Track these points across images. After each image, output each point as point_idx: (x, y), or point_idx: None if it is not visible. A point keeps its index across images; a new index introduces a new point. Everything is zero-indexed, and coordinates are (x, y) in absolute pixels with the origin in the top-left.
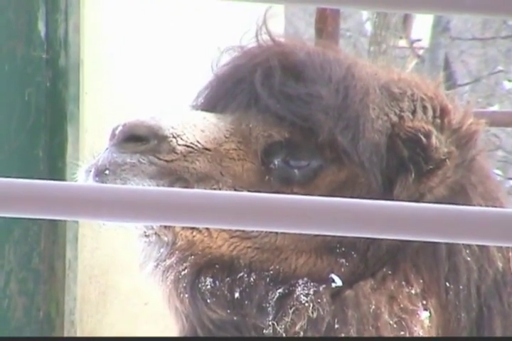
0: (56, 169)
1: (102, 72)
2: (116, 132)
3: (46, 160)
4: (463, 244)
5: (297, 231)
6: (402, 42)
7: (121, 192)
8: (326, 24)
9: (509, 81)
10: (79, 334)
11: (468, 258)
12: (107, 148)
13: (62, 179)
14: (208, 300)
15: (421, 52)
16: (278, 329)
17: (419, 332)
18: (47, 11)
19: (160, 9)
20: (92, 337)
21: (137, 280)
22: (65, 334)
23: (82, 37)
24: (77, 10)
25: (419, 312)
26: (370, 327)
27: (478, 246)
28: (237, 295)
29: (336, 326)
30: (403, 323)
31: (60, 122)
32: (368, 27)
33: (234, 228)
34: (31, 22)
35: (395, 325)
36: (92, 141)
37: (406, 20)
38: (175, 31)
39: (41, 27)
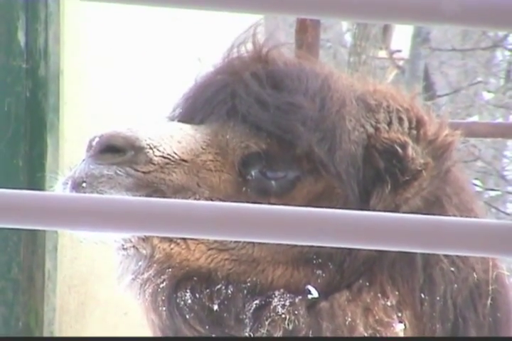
0: (36, 179)
1: (82, 82)
2: (93, 143)
3: (26, 169)
4: (441, 255)
5: (274, 241)
6: (382, 53)
7: (101, 202)
8: (306, 35)
9: (488, 92)
10: None
11: (446, 270)
12: (83, 160)
13: (42, 189)
14: (187, 316)
15: (401, 63)
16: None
17: None
18: (27, 21)
19: (140, 19)
20: (88, 337)
21: (116, 291)
22: None
23: (62, 47)
24: (57, 20)
25: (394, 324)
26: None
27: (457, 256)
28: (215, 307)
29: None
30: (378, 335)
31: (39, 132)
32: (348, 38)
33: (212, 238)
34: (11, 32)
35: None
36: (71, 150)
37: (386, 31)
38: (155, 41)
39: (21, 37)
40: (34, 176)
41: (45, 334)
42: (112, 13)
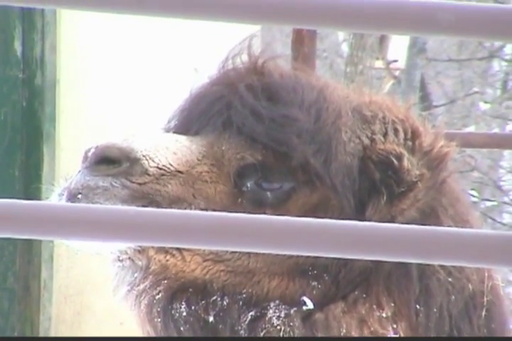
0: (32, 188)
1: (78, 92)
2: (89, 154)
3: (22, 179)
4: (438, 266)
5: (270, 252)
6: (379, 63)
7: (97, 211)
8: (303, 45)
9: (485, 102)
10: None
11: (443, 280)
12: (79, 171)
13: (38, 198)
14: (181, 328)
15: (397, 73)
16: None
17: None
18: (23, 30)
19: (136, 29)
20: (86, 337)
21: (112, 300)
22: None
23: (59, 56)
24: (54, 29)
25: (388, 335)
26: None
27: (453, 267)
28: (210, 319)
29: None
30: None
31: (36, 141)
32: (345, 48)
33: (207, 248)
34: (7, 41)
35: None
36: (68, 160)
37: (382, 41)
38: (151, 50)
39: (17, 46)
40: (30, 186)
41: None
42: (108, 22)
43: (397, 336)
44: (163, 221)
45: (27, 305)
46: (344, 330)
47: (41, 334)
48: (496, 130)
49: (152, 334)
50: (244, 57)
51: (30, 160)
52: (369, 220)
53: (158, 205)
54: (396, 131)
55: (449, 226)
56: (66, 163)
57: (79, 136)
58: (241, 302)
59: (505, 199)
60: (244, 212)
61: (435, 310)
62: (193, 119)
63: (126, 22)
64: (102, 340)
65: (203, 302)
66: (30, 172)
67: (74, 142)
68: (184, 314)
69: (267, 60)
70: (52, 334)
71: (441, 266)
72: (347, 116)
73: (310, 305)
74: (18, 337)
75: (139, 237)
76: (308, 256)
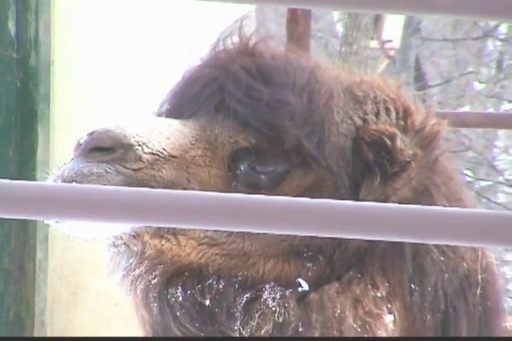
0: (27, 169)
1: (73, 72)
2: (82, 142)
3: (17, 160)
4: (431, 245)
5: (265, 231)
6: (373, 43)
7: (92, 192)
8: (297, 25)
9: (479, 82)
10: (49, 335)
11: (437, 259)
12: (72, 159)
13: (33, 179)
14: (177, 313)
15: (392, 52)
16: (244, 333)
17: (382, 336)
18: (17, 11)
19: (131, 9)
20: (82, 337)
21: (108, 281)
22: (35, 335)
23: (53, 36)
24: (48, 9)
25: (383, 315)
26: (334, 331)
27: (447, 246)
28: (207, 302)
29: (301, 329)
30: (367, 327)
31: (30, 122)
32: (339, 28)
33: (203, 228)
34: (1, 21)
35: (358, 329)
36: (62, 140)
37: (377, 21)
38: (146, 31)
39: (11, 26)
40: (25, 166)
41: (36, 324)
42: (103, 2)
43: (392, 317)
44: (156, 201)
45: (22, 286)
46: (338, 310)
47: (36, 315)
48: (491, 110)
49: (147, 319)
50: (235, 39)
51: (25, 141)
52: (363, 200)
53: None
54: (388, 110)
55: (442, 204)
56: (61, 143)
57: (73, 116)
58: (237, 285)
59: (500, 178)
60: None
61: (430, 289)
62: (185, 103)
63: (121, 2)
64: (102, 340)
65: (199, 286)
66: (24, 153)
67: (68, 122)
68: (180, 298)
69: (258, 41)
70: (48, 314)
71: (435, 246)
72: (339, 97)
73: (305, 286)
74: (19, 337)
75: (133, 217)
76: (302, 238)
